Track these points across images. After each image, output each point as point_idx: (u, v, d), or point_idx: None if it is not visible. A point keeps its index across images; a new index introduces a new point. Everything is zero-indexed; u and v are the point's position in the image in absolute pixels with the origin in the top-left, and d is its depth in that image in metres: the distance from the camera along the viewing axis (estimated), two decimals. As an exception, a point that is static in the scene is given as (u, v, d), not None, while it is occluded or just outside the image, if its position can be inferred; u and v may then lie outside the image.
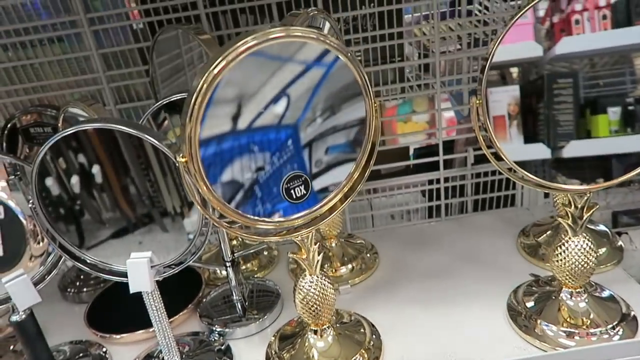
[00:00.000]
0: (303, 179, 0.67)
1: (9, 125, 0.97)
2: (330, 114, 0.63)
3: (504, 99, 0.72)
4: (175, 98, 0.86)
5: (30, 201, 0.70)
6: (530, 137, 0.73)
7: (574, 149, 0.72)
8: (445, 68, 1.14)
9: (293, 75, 0.59)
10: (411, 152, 1.31)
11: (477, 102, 0.69)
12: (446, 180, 1.16)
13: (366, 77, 0.62)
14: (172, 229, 0.76)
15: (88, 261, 0.74)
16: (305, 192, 0.68)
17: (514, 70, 0.71)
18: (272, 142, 0.61)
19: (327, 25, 0.91)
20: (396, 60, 1.11)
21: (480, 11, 1.15)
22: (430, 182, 1.18)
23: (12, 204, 0.76)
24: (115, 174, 0.73)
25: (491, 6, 1.12)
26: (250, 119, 0.59)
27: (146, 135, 0.68)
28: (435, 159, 1.14)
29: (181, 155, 0.60)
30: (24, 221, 0.77)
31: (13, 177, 0.77)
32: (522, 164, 0.73)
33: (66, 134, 0.65)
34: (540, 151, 0.73)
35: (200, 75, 0.58)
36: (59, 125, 0.86)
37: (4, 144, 0.98)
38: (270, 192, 0.64)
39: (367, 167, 0.71)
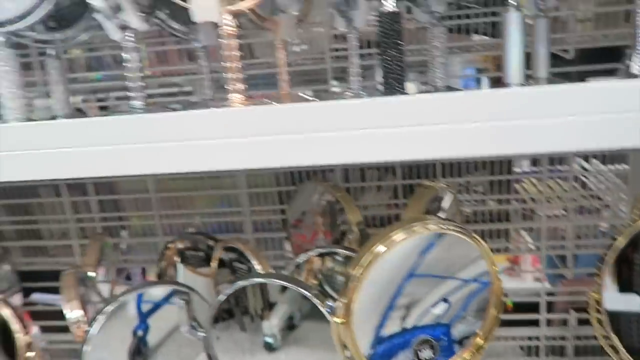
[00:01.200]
0: (431, 344, 0.76)
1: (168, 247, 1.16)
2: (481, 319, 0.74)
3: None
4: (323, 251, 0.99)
5: (200, 333, 0.83)
6: (625, 287, 0.74)
7: (670, 303, 0.71)
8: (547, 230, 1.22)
9: (453, 287, 0.71)
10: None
11: (595, 295, 0.76)
12: (546, 338, 1.19)
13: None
14: (249, 329, 0.82)
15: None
16: (433, 356, 0.77)
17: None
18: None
19: (450, 196, 1.05)
20: (503, 220, 1.22)
21: (583, 175, 1.25)
22: (529, 337, 1.21)
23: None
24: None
25: (591, 168, 1.21)
26: (414, 321, 0.71)
27: (301, 289, 0.80)
28: (535, 316, 1.19)
29: (338, 316, 0.72)
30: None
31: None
32: (617, 316, 0.75)
33: (239, 287, 0.79)
34: (634, 303, 0.74)
35: (359, 258, 0.71)
36: (215, 257, 1.04)
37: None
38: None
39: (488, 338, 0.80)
